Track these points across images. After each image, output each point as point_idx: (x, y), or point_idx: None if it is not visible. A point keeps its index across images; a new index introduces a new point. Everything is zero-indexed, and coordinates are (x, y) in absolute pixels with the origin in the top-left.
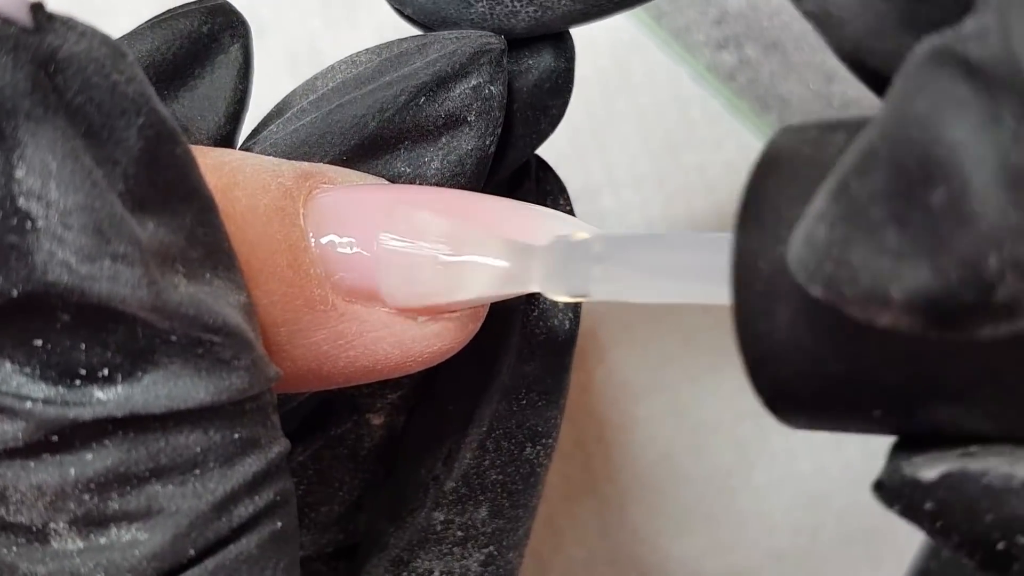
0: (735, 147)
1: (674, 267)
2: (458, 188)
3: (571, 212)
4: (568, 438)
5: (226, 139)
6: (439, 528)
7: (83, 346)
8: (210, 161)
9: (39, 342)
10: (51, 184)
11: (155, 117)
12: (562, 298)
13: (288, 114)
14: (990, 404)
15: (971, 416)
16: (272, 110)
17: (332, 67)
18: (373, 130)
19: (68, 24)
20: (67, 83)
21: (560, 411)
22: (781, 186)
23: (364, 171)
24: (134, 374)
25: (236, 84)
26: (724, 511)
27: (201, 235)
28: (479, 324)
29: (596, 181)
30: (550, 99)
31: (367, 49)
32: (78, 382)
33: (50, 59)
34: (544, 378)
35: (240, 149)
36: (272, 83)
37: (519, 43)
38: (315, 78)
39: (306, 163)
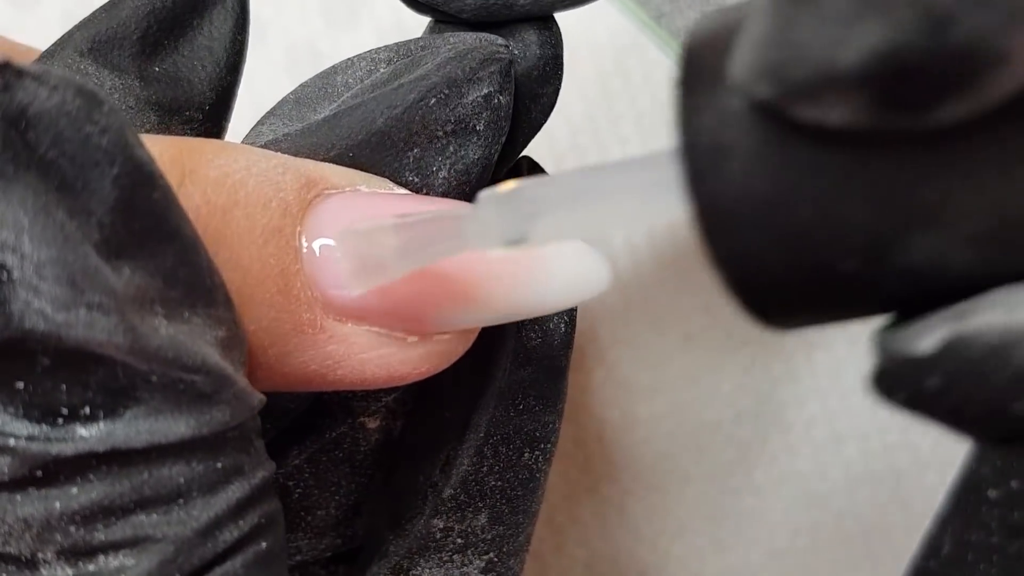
0: None
1: (607, 189)
2: (464, 197)
3: None
4: (568, 438)
5: (227, 90)
6: (439, 536)
7: (64, 387)
8: (213, 174)
9: (20, 384)
10: (24, 238)
11: (130, 165)
12: (498, 250)
13: (304, 109)
14: (968, 220)
15: (953, 246)
16: (288, 96)
17: (351, 62)
18: (381, 126)
19: (40, 79)
20: (38, 138)
21: (558, 416)
22: (711, 46)
23: (372, 171)
24: (116, 411)
25: (234, 35)
26: (724, 511)
27: (182, 275)
28: (468, 345)
29: None
30: (539, 87)
31: (387, 47)
32: (60, 420)
33: (20, 116)
34: (541, 383)
35: (252, 132)
36: (272, 83)
37: (505, 34)
38: (334, 72)
39: (312, 166)
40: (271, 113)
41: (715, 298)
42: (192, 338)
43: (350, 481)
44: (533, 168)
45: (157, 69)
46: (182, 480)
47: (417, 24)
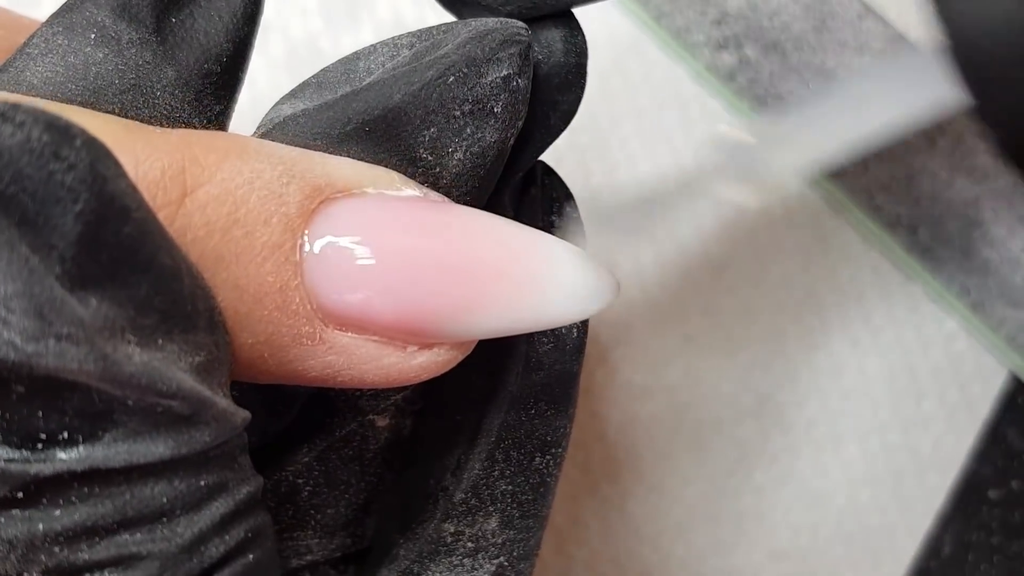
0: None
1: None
2: (478, 180)
3: (578, 218)
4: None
5: (243, 40)
6: (449, 540)
7: (40, 413)
8: (215, 191)
9: None
10: None
11: (96, 202)
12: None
13: (325, 93)
14: None
15: None
16: (310, 79)
17: (374, 48)
18: (398, 102)
19: (5, 116)
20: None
21: (570, 420)
22: None
23: (387, 148)
24: (94, 435)
25: None
26: (724, 511)
27: (156, 304)
28: (467, 353)
29: (596, 181)
30: (559, 95)
31: (409, 33)
32: (40, 446)
33: None
34: (553, 387)
35: (272, 110)
36: (273, 83)
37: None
38: (356, 58)
39: (320, 170)
40: (292, 95)
41: (715, 298)
42: (166, 364)
43: (360, 480)
44: (548, 173)
45: (174, 20)
46: (164, 499)
47: (417, 22)
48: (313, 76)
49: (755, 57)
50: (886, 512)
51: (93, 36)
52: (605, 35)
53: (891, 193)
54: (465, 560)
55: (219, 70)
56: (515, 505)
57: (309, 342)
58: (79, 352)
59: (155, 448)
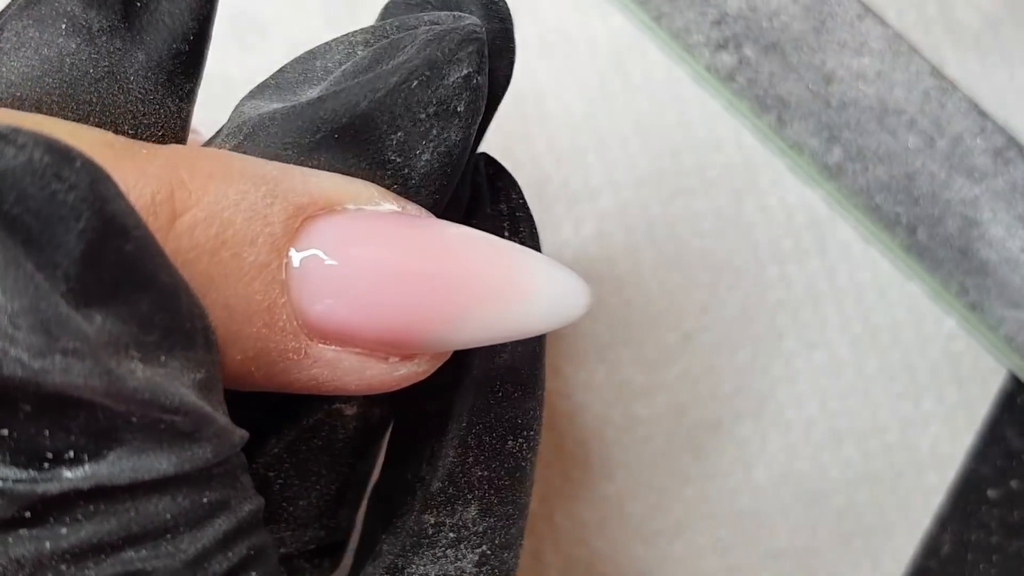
0: (734, 148)
1: None
2: (446, 179)
3: (524, 206)
4: (568, 437)
5: (206, 18)
6: (430, 531)
7: (47, 432)
8: (202, 215)
9: (5, 432)
10: None
11: (97, 220)
12: None
13: (286, 94)
14: None
15: None
16: (268, 80)
17: (329, 46)
18: (364, 109)
19: (7, 138)
20: (4, 196)
21: (539, 403)
22: None
23: (356, 154)
24: (100, 453)
25: None
26: (724, 511)
27: (158, 321)
28: (444, 360)
29: (596, 181)
30: (493, 61)
31: (363, 29)
32: (47, 465)
33: None
34: (518, 369)
35: (234, 113)
36: None
37: (452, 10)
38: (313, 57)
39: (301, 188)
40: (251, 95)
41: (715, 298)
42: (169, 380)
43: (331, 470)
44: (491, 164)
45: (139, 4)
46: (168, 515)
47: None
48: (271, 76)
49: (755, 57)
50: (885, 511)
51: (64, 26)
52: (605, 35)
53: (890, 193)
54: (448, 551)
55: (187, 49)
56: (492, 491)
57: (295, 356)
58: (84, 367)
59: (159, 464)
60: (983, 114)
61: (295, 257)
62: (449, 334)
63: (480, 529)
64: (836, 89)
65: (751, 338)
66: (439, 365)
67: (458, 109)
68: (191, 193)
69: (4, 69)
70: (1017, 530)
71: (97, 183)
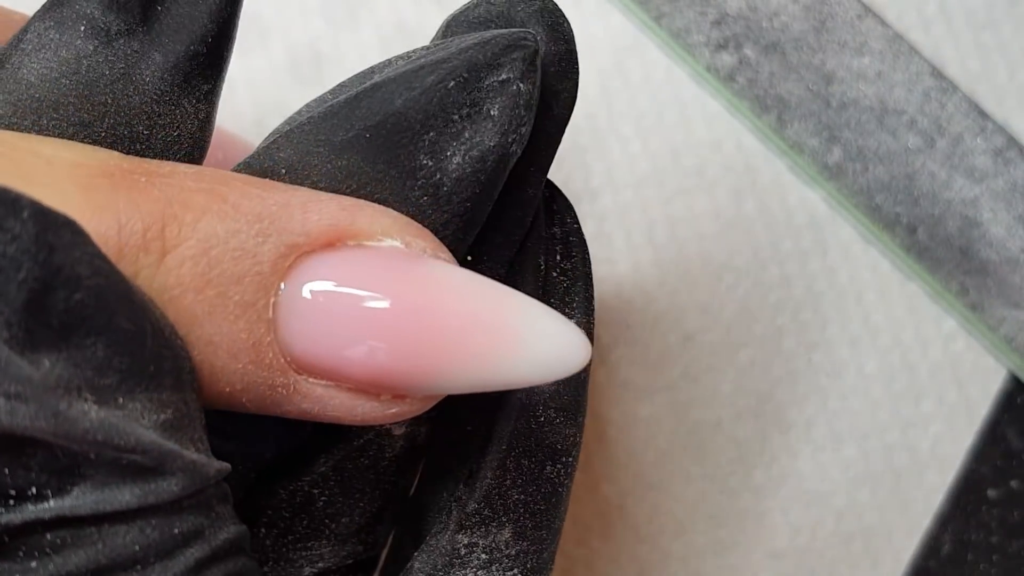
0: (734, 148)
1: None
2: (479, 187)
3: (578, 231)
4: None
5: (227, 21)
6: (463, 551)
7: (6, 471)
8: (190, 252)
9: None
10: None
11: (40, 271)
12: None
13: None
14: None
15: None
16: (326, 94)
17: (389, 61)
18: (399, 107)
19: None
20: None
21: (579, 429)
22: None
23: (387, 158)
24: (63, 488)
25: None
26: (724, 511)
27: (116, 364)
28: (438, 400)
29: (596, 182)
30: (558, 83)
31: (425, 46)
32: (11, 502)
33: None
34: (561, 394)
35: (290, 119)
36: (274, 83)
37: None
38: (371, 70)
39: (299, 227)
40: (307, 106)
41: (715, 298)
42: (125, 420)
43: (374, 488)
44: (548, 186)
45: (160, 8)
46: (137, 547)
47: (418, 24)
48: (329, 91)
49: (755, 58)
50: (885, 511)
51: (83, 28)
52: (605, 35)
53: (891, 193)
54: (480, 572)
55: (205, 51)
56: (528, 515)
57: (284, 391)
58: (29, 410)
59: (121, 497)
60: (983, 114)
61: (284, 295)
62: (438, 382)
63: (513, 552)
64: (836, 89)
65: (751, 338)
66: (433, 403)
67: (491, 112)
68: (181, 229)
69: (24, 71)
70: (1017, 530)
71: (46, 232)
